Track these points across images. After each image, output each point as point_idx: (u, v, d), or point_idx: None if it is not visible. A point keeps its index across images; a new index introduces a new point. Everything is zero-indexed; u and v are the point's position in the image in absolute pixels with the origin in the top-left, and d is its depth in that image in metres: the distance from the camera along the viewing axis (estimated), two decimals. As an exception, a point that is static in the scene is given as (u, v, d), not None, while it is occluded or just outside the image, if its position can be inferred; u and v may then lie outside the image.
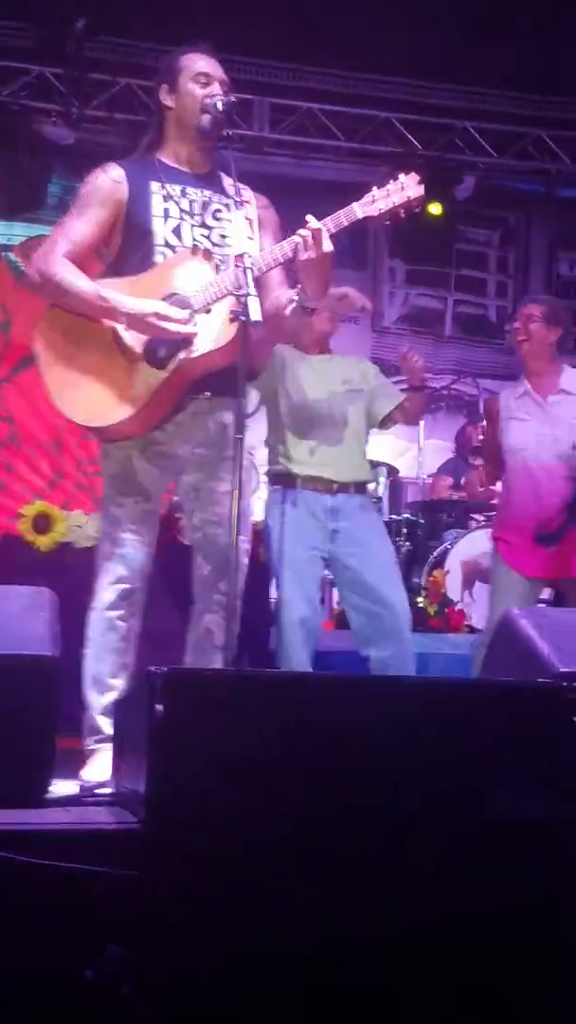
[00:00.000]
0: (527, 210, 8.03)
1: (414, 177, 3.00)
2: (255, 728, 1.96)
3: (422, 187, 3.00)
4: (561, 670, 2.32)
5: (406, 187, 2.98)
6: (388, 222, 3.04)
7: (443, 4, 6.12)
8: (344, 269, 7.41)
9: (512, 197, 7.90)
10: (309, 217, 2.94)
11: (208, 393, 3.04)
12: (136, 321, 2.95)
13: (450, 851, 1.93)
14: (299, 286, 3.04)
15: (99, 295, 2.97)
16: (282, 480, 3.88)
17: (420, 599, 5.77)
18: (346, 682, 2.27)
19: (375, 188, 3.00)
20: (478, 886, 1.91)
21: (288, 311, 3.08)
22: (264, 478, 4.16)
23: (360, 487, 3.98)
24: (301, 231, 2.93)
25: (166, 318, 2.92)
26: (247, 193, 3.14)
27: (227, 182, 3.12)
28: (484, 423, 4.53)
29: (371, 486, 6.05)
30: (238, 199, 3.04)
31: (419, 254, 7.81)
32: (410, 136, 7.30)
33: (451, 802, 1.96)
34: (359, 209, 2.97)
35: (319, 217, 2.96)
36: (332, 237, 2.95)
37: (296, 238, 2.93)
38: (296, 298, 3.05)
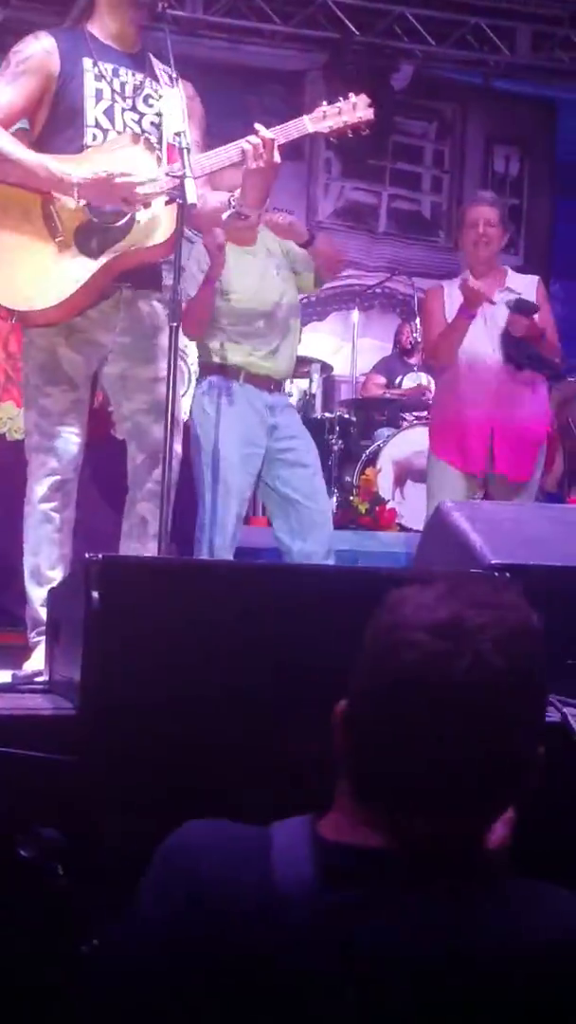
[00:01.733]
0: (464, 102, 7.90)
1: (364, 98, 3.00)
2: (189, 614, 1.97)
3: (371, 110, 3.00)
4: (492, 562, 2.36)
5: (357, 107, 2.99)
6: (334, 140, 3.06)
7: None
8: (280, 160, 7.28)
9: (449, 88, 7.77)
10: (259, 126, 2.89)
11: (129, 284, 3.00)
12: (91, 187, 2.85)
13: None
14: (237, 191, 2.99)
15: (44, 165, 2.87)
16: (220, 373, 3.83)
17: (352, 497, 5.81)
18: (274, 570, 2.29)
19: (325, 103, 2.99)
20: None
21: (225, 216, 3.04)
22: (194, 372, 4.10)
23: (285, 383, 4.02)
24: (251, 138, 2.88)
25: (125, 175, 2.84)
26: (176, 79, 3.05)
27: (156, 64, 3.03)
28: (418, 320, 4.53)
29: (303, 383, 6.07)
30: (173, 77, 2.95)
31: (355, 146, 7.66)
32: (347, 21, 7.12)
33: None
34: (309, 123, 2.96)
35: (252, 116, 2.92)
36: (258, 100, 2.92)
37: (245, 144, 2.88)
38: (233, 204, 3.00)
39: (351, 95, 3.00)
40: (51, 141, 2.97)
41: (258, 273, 3.87)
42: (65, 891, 1.80)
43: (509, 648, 1.07)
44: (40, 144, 2.99)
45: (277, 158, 2.88)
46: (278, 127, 2.94)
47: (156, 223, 2.90)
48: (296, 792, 1.90)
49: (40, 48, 2.97)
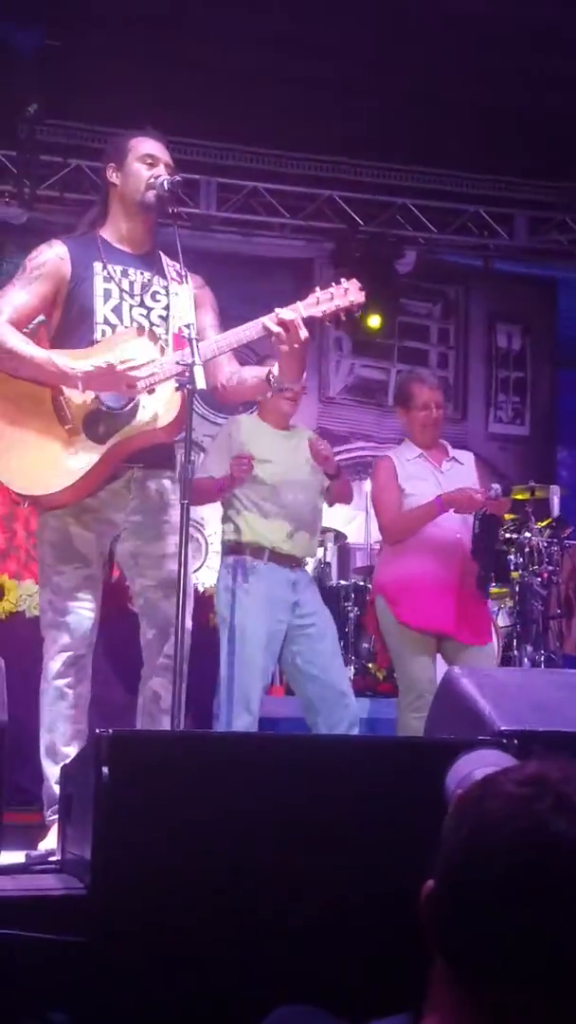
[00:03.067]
0: (466, 284, 8.24)
1: (355, 283, 3.09)
2: (200, 789, 1.98)
3: (363, 294, 3.09)
4: (501, 728, 2.37)
5: (348, 292, 3.07)
6: (328, 323, 3.16)
7: (386, 89, 6.35)
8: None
9: (452, 271, 8.12)
10: (278, 310, 3.00)
11: (141, 464, 3.12)
12: (92, 378, 3.00)
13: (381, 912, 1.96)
14: (272, 367, 3.14)
15: (51, 360, 3.04)
16: (246, 552, 3.92)
17: (369, 664, 5.80)
18: (288, 741, 2.30)
19: (318, 289, 3.08)
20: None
21: (269, 394, 3.20)
22: (214, 547, 4.19)
23: None
24: (271, 323, 2.98)
25: (125, 362, 2.99)
26: (184, 274, 3.25)
27: (166, 261, 3.22)
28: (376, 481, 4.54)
29: (319, 552, 6.16)
30: (181, 273, 3.14)
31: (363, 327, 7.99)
32: (352, 213, 7.51)
33: (388, 861, 1.99)
34: (303, 309, 3.03)
35: (264, 300, 3.05)
36: (268, 285, 3.05)
37: (269, 324, 2.99)
38: (273, 382, 3.14)
39: (343, 280, 3.09)
40: (66, 338, 3.15)
41: (292, 451, 4.04)
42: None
43: None
44: (56, 341, 3.18)
45: (304, 333, 2.99)
46: (283, 309, 3.03)
47: (161, 407, 3.03)
48: (312, 964, 1.88)
49: (54, 255, 3.18)
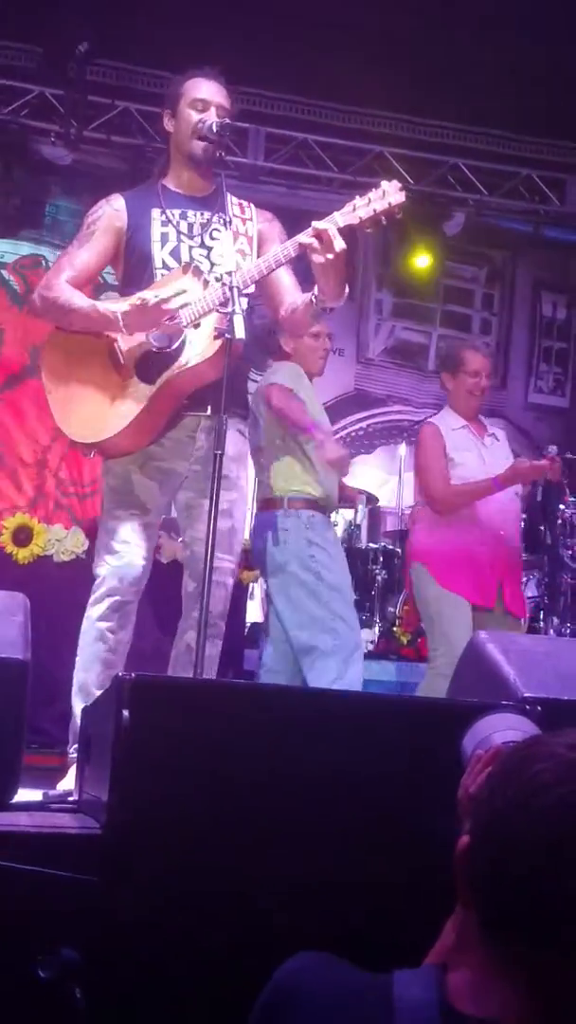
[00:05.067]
0: (514, 249, 8.12)
1: (395, 184, 2.99)
2: (220, 738, 1.98)
3: (403, 194, 2.97)
4: (525, 695, 2.35)
5: (387, 194, 2.96)
6: (369, 230, 3.03)
7: (440, 45, 6.23)
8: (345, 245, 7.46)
9: (500, 235, 8.00)
10: (314, 222, 2.92)
11: (208, 409, 3.07)
12: (131, 315, 2.98)
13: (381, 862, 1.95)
14: (315, 288, 3.04)
15: (95, 308, 3.03)
16: (316, 507, 3.87)
17: (394, 628, 5.80)
18: (311, 696, 2.29)
19: (357, 196, 2.99)
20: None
21: (308, 313, 3.10)
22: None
23: None
24: (306, 235, 2.92)
25: (156, 295, 2.95)
26: (249, 210, 3.21)
27: (232, 199, 3.14)
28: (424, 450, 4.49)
29: (349, 514, 6.14)
30: (235, 216, 3.09)
31: (406, 288, 7.91)
32: (402, 170, 7.40)
33: (404, 817, 1.99)
34: (340, 218, 2.95)
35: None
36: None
37: (303, 239, 2.92)
38: (314, 299, 3.05)
39: (382, 182, 3.01)
40: (131, 287, 3.13)
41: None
42: (82, 1015, 1.77)
43: None
44: (123, 290, 3.18)
45: (340, 244, 2.89)
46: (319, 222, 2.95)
47: (206, 341, 2.98)
48: (323, 914, 1.88)
49: (109, 208, 3.18)
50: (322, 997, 1.05)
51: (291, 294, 3.19)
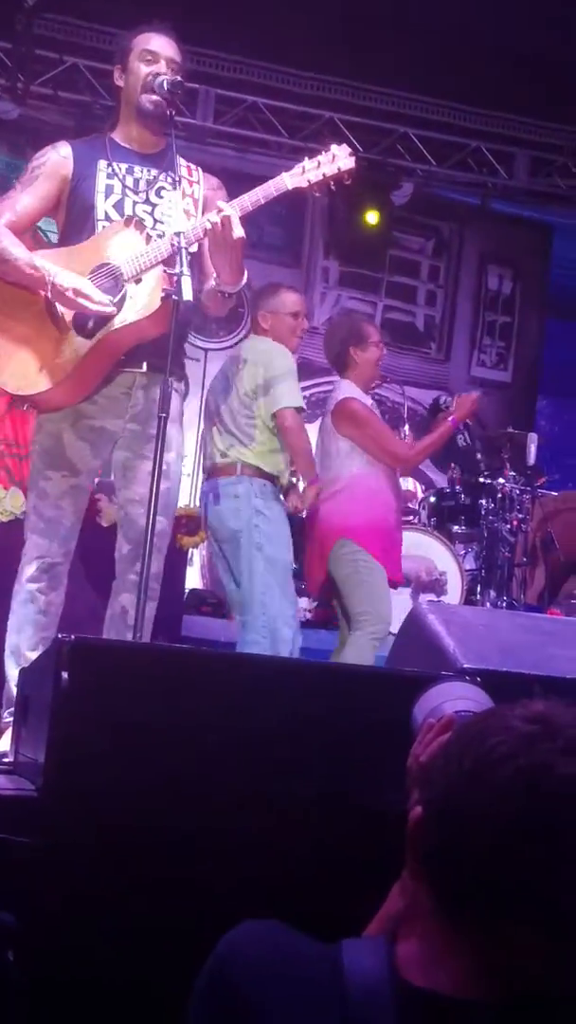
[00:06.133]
0: (461, 221, 8.13)
1: (345, 149, 2.99)
2: (158, 702, 1.96)
3: (353, 159, 2.97)
4: (464, 666, 2.36)
5: (337, 158, 2.97)
6: (317, 193, 3.04)
7: (393, 14, 6.19)
8: (279, 267, 7.45)
9: (448, 207, 8.00)
10: (220, 203, 2.93)
11: (144, 366, 3.04)
12: (57, 294, 2.96)
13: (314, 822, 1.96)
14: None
15: (31, 263, 2.97)
16: (269, 479, 3.88)
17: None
18: (253, 662, 2.29)
19: (306, 159, 2.99)
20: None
21: (206, 297, 3.11)
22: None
23: None
24: (211, 216, 2.91)
25: (85, 296, 2.92)
26: (197, 174, 3.17)
27: (181, 162, 3.12)
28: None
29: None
30: (183, 178, 3.05)
31: (353, 257, 7.87)
32: (352, 137, 7.35)
33: (326, 782, 1.99)
34: (288, 179, 2.95)
35: (254, 218, 2.95)
36: (260, 209, 2.94)
37: (206, 223, 2.92)
38: (214, 284, 3.06)
39: (332, 146, 3.00)
40: (71, 237, 3.10)
41: None
42: (14, 977, 1.75)
43: None
44: (62, 241, 3.13)
45: (239, 232, 2.88)
46: (257, 189, 2.96)
47: (146, 297, 2.95)
48: (261, 878, 1.88)
49: (56, 155, 3.12)
50: (266, 964, 1.03)
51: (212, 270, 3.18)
